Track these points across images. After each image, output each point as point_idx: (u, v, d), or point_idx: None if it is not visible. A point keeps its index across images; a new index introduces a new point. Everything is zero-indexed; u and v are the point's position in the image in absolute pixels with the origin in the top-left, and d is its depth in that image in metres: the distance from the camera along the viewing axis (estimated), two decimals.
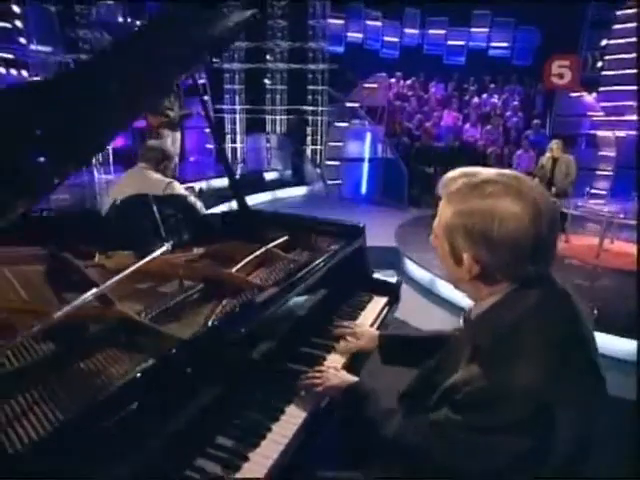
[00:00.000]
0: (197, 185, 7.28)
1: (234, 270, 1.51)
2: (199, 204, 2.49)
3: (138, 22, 10.05)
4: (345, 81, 10.07)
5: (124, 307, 1.21)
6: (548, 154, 6.22)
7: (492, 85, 10.05)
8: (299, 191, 8.06)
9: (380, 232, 5.50)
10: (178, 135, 6.75)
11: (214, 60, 9.83)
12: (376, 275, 1.90)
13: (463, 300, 3.93)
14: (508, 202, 0.80)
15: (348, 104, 8.56)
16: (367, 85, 8.40)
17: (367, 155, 8.30)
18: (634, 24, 7.51)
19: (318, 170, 8.98)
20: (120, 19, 9.75)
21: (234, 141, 9.53)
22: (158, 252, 1.37)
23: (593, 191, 8.00)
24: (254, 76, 9.72)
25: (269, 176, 8.65)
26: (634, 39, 7.26)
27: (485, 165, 8.39)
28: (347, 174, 8.28)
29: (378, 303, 1.77)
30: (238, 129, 9.53)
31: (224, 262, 1.67)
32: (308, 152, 9.42)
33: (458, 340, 0.94)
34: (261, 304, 1.23)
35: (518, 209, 0.79)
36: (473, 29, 10.90)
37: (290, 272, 1.49)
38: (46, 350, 1.04)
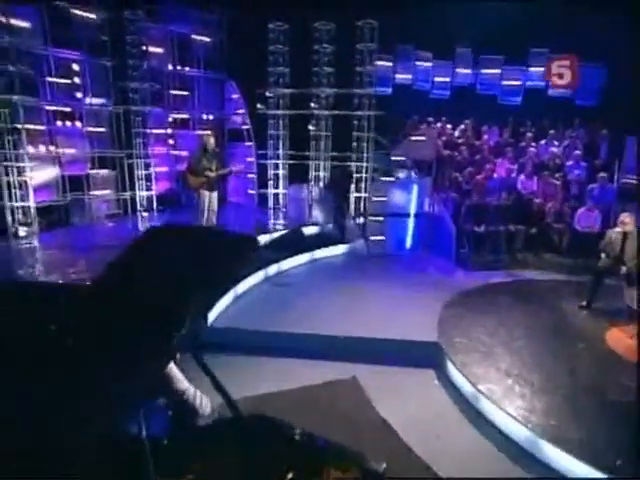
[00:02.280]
0: None
1: None
2: (198, 397, 2.25)
3: (187, 68, 10.28)
4: (392, 126, 9.73)
5: None
6: (618, 228, 5.54)
7: (552, 131, 9.31)
8: (339, 250, 7.75)
9: (420, 319, 5.03)
10: (215, 195, 6.78)
11: (259, 107, 9.83)
12: None
13: (513, 429, 3.43)
14: None
15: (394, 157, 8.19)
16: (415, 138, 8.01)
17: (413, 210, 7.89)
18: None
19: (361, 220, 8.66)
20: (170, 67, 9.99)
21: (277, 187, 9.42)
22: None
23: None
24: (298, 122, 9.59)
25: (309, 231, 8.40)
26: None
27: (542, 222, 7.67)
28: (391, 229, 7.90)
29: None
30: (281, 174, 9.40)
31: None
32: (351, 200, 9.13)
33: None
34: None
35: None
36: (531, 67, 10.24)
37: None
38: None
